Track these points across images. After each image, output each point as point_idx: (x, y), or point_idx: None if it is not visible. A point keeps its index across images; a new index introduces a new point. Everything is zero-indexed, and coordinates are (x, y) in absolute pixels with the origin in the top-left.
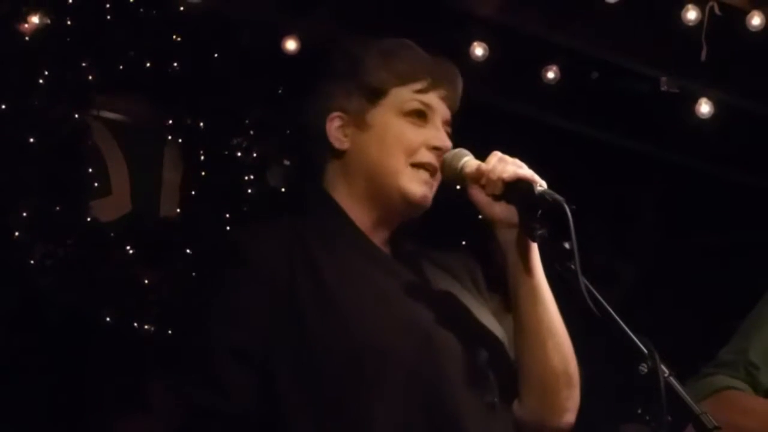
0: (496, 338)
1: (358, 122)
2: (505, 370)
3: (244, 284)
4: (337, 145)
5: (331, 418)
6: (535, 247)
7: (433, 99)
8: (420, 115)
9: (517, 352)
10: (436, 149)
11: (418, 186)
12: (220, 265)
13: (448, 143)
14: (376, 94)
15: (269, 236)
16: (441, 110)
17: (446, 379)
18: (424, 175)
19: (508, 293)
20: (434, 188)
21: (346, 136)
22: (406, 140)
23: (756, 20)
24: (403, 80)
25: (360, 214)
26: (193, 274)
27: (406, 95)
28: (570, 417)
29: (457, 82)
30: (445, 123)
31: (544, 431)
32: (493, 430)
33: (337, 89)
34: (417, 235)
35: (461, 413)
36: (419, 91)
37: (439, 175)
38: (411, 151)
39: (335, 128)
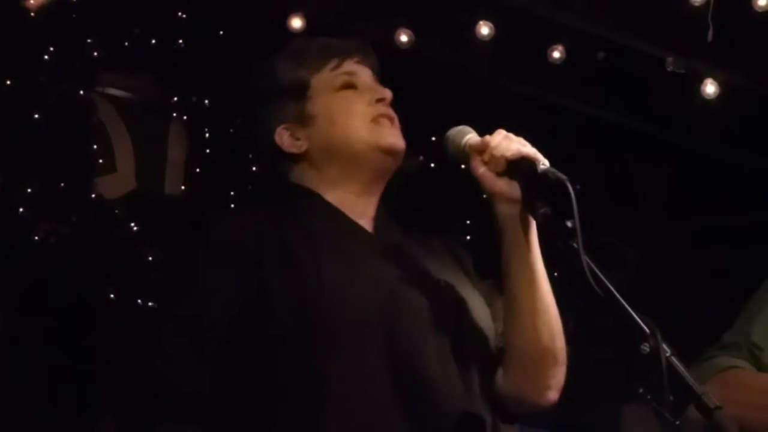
0: (471, 306)
1: (303, 121)
2: (480, 341)
3: (208, 262)
4: (296, 150)
5: (293, 377)
6: (534, 225)
7: (352, 66)
8: (349, 85)
9: (506, 327)
10: (380, 101)
11: (386, 135)
12: (188, 245)
13: (388, 92)
14: (301, 90)
15: (239, 218)
16: (364, 72)
17: (411, 336)
18: (385, 124)
19: (500, 273)
20: (400, 136)
21: (299, 139)
22: (351, 107)
23: (762, 1)
24: (317, 67)
25: (336, 197)
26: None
27: (327, 76)
28: (553, 395)
29: (363, 46)
30: (374, 81)
31: (525, 406)
32: (457, 392)
33: (269, 108)
34: (416, 215)
35: (426, 366)
36: (336, 68)
37: (398, 124)
38: (361, 113)
39: (287, 139)
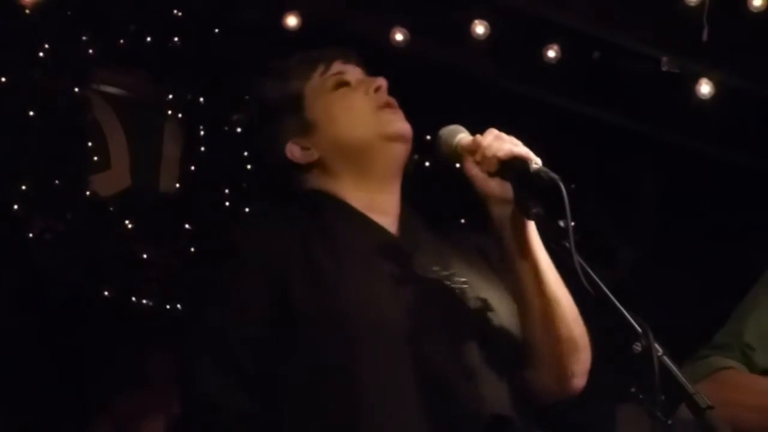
0: (496, 306)
1: (307, 131)
2: (506, 340)
3: (238, 280)
4: (309, 160)
5: (323, 390)
6: (531, 223)
7: (340, 66)
8: (342, 83)
9: (521, 323)
10: (377, 90)
11: (391, 122)
12: (218, 258)
13: (382, 80)
14: (297, 101)
15: (266, 232)
16: (353, 69)
17: (438, 343)
18: (389, 112)
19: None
20: (405, 120)
21: (309, 148)
22: (350, 103)
23: (757, 1)
24: (306, 75)
25: (358, 198)
26: (192, 249)
27: (318, 81)
28: (579, 381)
29: (345, 50)
30: (365, 75)
31: (554, 396)
32: (484, 394)
33: (272, 128)
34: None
35: (453, 372)
36: (324, 71)
37: (400, 108)
38: (361, 106)
39: (298, 152)
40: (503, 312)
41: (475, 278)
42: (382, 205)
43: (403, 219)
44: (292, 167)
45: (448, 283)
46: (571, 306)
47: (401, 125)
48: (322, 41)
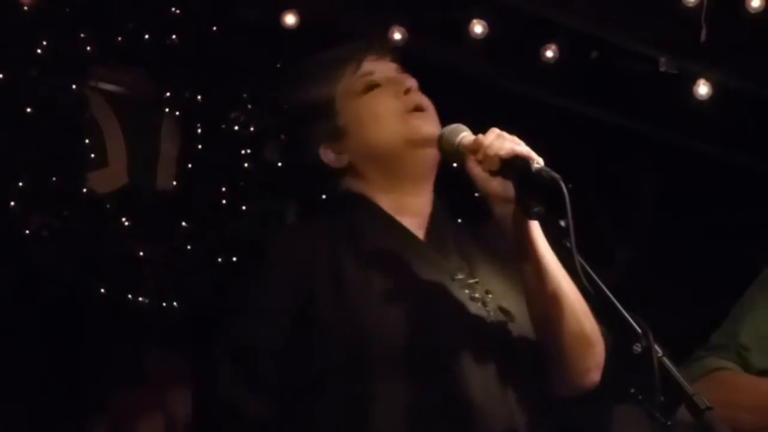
0: (517, 314)
1: (339, 135)
2: (528, 347)
3: (269, 287)
4: (341, 164)
5: (339, 403)
6: (531, 222)
7: (371, 65)
8: (373, 85)
9: (532, 322)
10: (407, 92)
11: (420, 126)
12: (248, 268)
13: (412, 81)
14: (329, 107)
15: (295, 239)
16: (383, 67)
17: (456, 358)
18: (417, 115)
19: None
20: (435, 122)
21: (341, 153)
22: (379, 107)
23: (755, 2)
24: (337, 77)
25: (390, 201)
26: (188, 247)
27: (349, 83)
28: (594, 375)
29: (374, 42)
30: (398, 71)
31: (572, 391)
32: (505, 412)
33: (306, 132)
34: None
35: (470, 389)
36: (355, 71)
37: (432, 110)
38: (391, 111)
39: (331, 156)
40: (522, 321)
41: (499, 284)
42: (412, 208)
43: (434, 220)
44: (325, 170)
45: (471, 292)
46: (580, 301)
47: (429, 129)
48: (320, 41)
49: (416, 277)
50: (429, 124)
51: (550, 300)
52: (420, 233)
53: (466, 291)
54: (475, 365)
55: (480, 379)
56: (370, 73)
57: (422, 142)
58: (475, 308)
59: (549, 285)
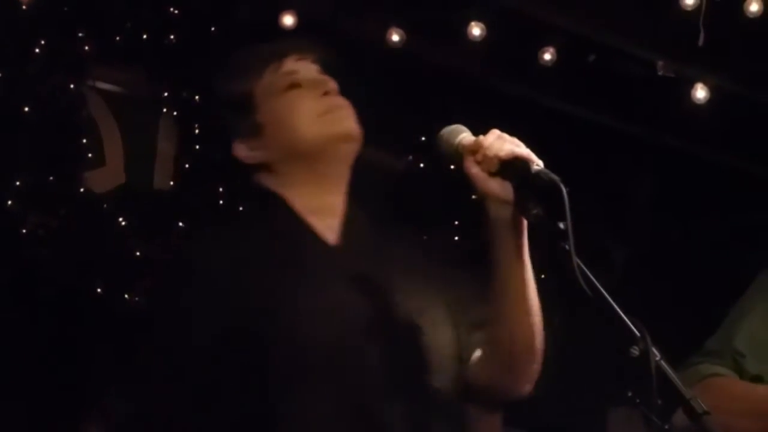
0: (432, 321)
1: (255, 132)
2: (438, 358)
3: (184, 293)
4: (255, 161)
5: (246, 414)
6: (525, 227)
7: (292, 65)
8: (293, 85)
9: (493, 324)
10: (327, 94)
11: (337, 123)
12: (166, 276)
13: (333, 83)
14: (247, 102)
15: (210, 245)
16: (306, 68)
17: (364, 370)
18: (335, 113)
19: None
20: (353, 120)
21: (256, 149)
22: (298, 107)
23: (754, 6)
24: (258, 74)
25: (304, 197)
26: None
27: (269, 80)
28: (530, 387)
29: (301, 42)
30: (319, 73)
31: (500, 396)
32: (420, 418)
33: (224, 124)
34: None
35: (380, 401)
36: (276, 70)
37: (350, 110)
38: (309, 111)
39: (244, 152)
40: (437, 327)
41: (412, 289)
42: (326, 207)
43: (348, 221)
44: (242, 165)
45: (382, 301)
46: (540, 319)
47: (347, 125)
48: (318, 41)
49: (325, 280)
50: (346, 121)
51: (519, 310)
52: (331, 235)
53: (380, 299)
54: (385, 376)
55: (391, 390)
56: (292, 73)
57: (340, 138)
58: (379, 312)
59: (523, 295)
